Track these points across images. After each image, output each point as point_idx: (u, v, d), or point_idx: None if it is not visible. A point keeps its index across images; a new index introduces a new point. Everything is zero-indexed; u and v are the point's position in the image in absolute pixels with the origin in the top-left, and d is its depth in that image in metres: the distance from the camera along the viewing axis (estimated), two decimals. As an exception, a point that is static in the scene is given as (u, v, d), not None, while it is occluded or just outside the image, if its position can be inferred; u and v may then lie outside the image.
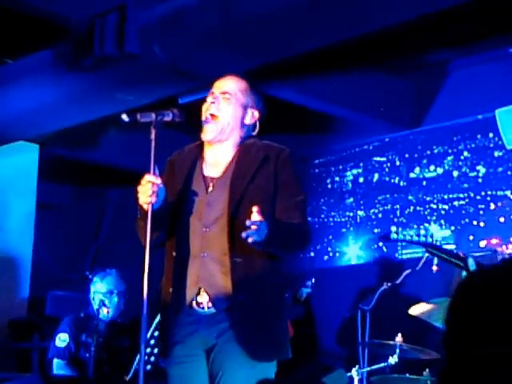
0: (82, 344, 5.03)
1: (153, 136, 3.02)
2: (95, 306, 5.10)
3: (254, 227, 2.85)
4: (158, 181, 2.99)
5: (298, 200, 3.13)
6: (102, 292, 5.14)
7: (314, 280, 5.85)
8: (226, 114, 3.16)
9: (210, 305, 3.06)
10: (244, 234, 2.87)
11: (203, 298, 3.07)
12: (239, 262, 3.02)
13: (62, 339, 5.03)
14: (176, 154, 3.31)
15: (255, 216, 2.86)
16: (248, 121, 3.22)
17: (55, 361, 5.04)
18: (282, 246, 3.06)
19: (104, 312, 5.08)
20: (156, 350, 4.57)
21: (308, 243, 3.20)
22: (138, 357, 4.72)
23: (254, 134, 3.26)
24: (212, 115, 3.16)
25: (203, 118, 3.18)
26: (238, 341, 3.00)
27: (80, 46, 4.86)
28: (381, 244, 6.58)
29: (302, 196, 3.17)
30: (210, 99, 3.18)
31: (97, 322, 5.00)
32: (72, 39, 4.97)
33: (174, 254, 3.14)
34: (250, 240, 2.87)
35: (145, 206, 2.99)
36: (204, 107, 3.19)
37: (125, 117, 3.04)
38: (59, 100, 5.58)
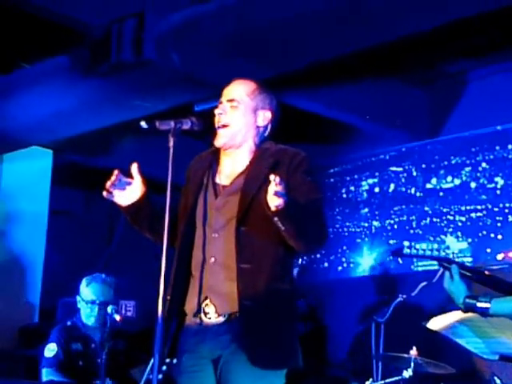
0: (74, 353, 4.97)
1: (171, 144, 3.00)
2: (87, 311, 5.02)
3: (279, 186, 2.75)
4: (115, 174, 3.07)
5: (313, 198, 3.03)
6: (85, 300, 5.04)
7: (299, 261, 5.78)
8: (236, 122, 3.12)
9: (217, 315, 3.02)
10: (274, 184, 2.76)
11: (210, 308, 3.03)
12: (246, 268, 2.96)
13: (50, 349, 4.97)
14: (194, 159, 3.30)
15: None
16: (261, 123, 3.16)
17: (43, 370, 4.97)
18: (299, 226, 2.92)
19: (117, 319, 4.98)
20: (168, 360, 4.53)
21: (325, 235, 3.05)
22: (149, 365, 4.70)
23: (266, 134, 3.19)
24: (223, 125, 3.12)
25: (216, 127, 3.15)
26: (243, 348, 2.94)
27: (97, 52, 4.86)
28: (395, 256, 6.54)
29: (318, 195, 3.06)
30: (218, 111, 3.15)
31: (85, 329, 4.97)
32: (89, 45, 4.97)
33: (175, 261, 3.10)
34: (276, 201, 2.77)
35: (105, 194, 3.10)
36: (215, 119, 3.16)
37: (144, 124, 3.04)
38: (74, 106, 5.59)
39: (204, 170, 3.18)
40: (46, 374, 4.96)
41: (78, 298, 5.10)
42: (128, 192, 3.13)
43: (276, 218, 2.85)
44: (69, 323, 5.10)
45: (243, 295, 2.95)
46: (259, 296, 2.96)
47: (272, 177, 2.77)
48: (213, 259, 3.02)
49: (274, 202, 2.79)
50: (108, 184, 3.09)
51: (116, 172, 3.11)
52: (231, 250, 2.99)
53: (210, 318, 3.01)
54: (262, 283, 2.97)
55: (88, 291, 5.04)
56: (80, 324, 5.04)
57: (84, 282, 5.10)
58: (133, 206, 3.14)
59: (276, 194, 2.77)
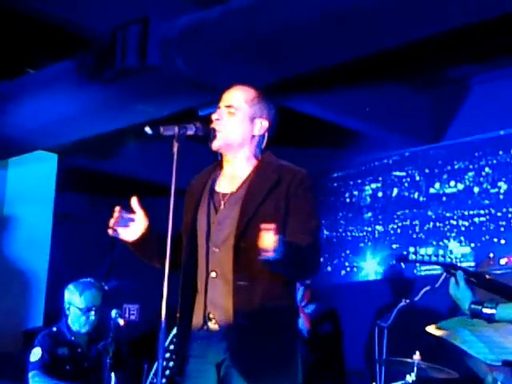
0: (60, 358, 4.96)
1: (175, 149, 2.99)
2: (81, 319, 5.00)
3: (274, 243, 2.75)
4: (117, 211, 3.08)
5: (311, 226, 3.04)
6: (79, 308, 4.99)
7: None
8: (231, 128, 3.11)
9: (218, 326, 3.04)
10: (266, 252, 2.78)
11: (213, 316, 3.06)
12: (243, 286, 2.97)
13: (35, 354, 4.94)
14: (194, 178, 3.29)
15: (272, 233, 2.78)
16: (257, 132, 3.14)
17: (30, 374, 4.94)
18: (292, 267, 2.94)
19: (121, 323, 4.97)
20: (171, 364, 4.53)
21: (314, 271, 3.09)
22: (153, 370, 4.71)
23: (264, 144, 3.19)
24: (218, 131, 3.12)
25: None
26: (236, 363, 2.94)
27: (102, 58, 4.87)
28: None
29: (316, 222, 3.07)
30: (214, 116, 3.14)
31: (71, 335, 4.96)
32: (94, 50, 4.99)
33: (181, 278, 3.12)
34: (269, 255, 2.78)
35: (110, 232, 3.11)
36: (212, 124, 3.16)
37: (148, 130, 3.03)
38: (79, 110, 5.60)
39: (204, 183, 3.17)
40: (32, 376, 4.94)
41: (67, 305, 5.04)
42: (132, 228, 3.13)
43: (266, 265, 2.87)
44: (54, 329, 5.05)
45: (238, 311, 2.95)
46: (254, 313, 2.96)
47: (265, 226, 2.76)
48: (214, 273, 3.03)
49: (265, 253, 2.78)
50: (111, 222, 3.08)
51: (117, 209, 3.09)
52: (230, 265, 2.99)
53: (214, 324, 3.03)
54: (257, 300, 2.96)
55: (82, 299, 5.00)
56: (65, 330, 5.00)
57: (74, 289, 5.05)
58: (139, 240, 3.13)
59: (269, 251, 2.77)
